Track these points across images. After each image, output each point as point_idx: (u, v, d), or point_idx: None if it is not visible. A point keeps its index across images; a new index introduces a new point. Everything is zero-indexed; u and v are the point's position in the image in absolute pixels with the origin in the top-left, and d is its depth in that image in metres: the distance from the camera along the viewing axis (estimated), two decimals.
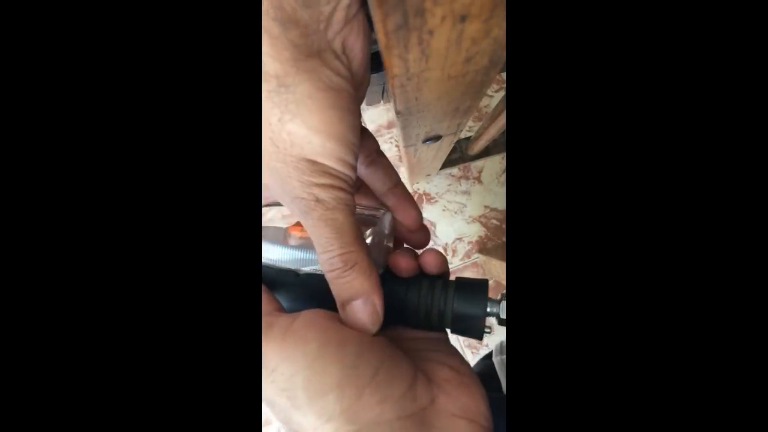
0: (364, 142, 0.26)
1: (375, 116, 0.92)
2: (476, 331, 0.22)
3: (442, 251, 0.92)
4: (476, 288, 0.22)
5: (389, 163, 0.26)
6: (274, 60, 0.16)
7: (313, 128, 0.17)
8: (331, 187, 0.19)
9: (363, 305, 0.19)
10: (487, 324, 0.22)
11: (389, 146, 0.92)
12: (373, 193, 0.26)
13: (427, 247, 0.24)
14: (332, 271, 0.19)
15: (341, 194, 0.19)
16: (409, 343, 0.22)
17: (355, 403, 0.16)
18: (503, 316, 0.21)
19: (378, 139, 0.97)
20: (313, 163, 0.18)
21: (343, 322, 0.19)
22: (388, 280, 0.22)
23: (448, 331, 0.23)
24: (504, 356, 0.47)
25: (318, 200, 0.18)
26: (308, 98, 0.17)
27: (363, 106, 0.91)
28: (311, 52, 0.17)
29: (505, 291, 0.22)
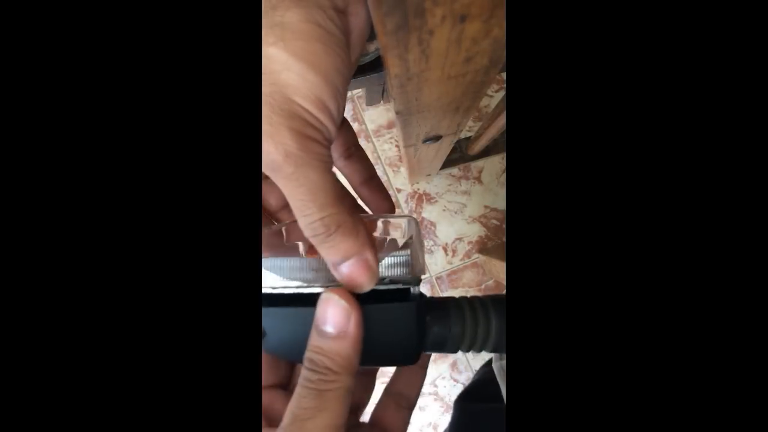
0: (345, 134, 0.25)
1: (375, 116, 0.92)
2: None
3: (442, 251, 0.92)
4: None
5: (366, 156, 0.26)
6: None
7: (296, 54, 0.15)
8: (304, 136, 0.16)
9: (356, 263, 0.18)
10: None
11: (389, 146, 0.92)
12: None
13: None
14: (315, 236, 0.18)
15: (315, 147, 0.16)
16: None
17: None
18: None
19: (378, 139, 0.96)
20: (288, 101, 0.15)
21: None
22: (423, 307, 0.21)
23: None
24: (504, 362, 0.47)
25: (287, 155, 0.16)
26: (296, 24, 0.15)
27: (363, 105, 0.91)
28: None
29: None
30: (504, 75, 0.85)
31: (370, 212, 0.26)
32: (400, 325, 0.20)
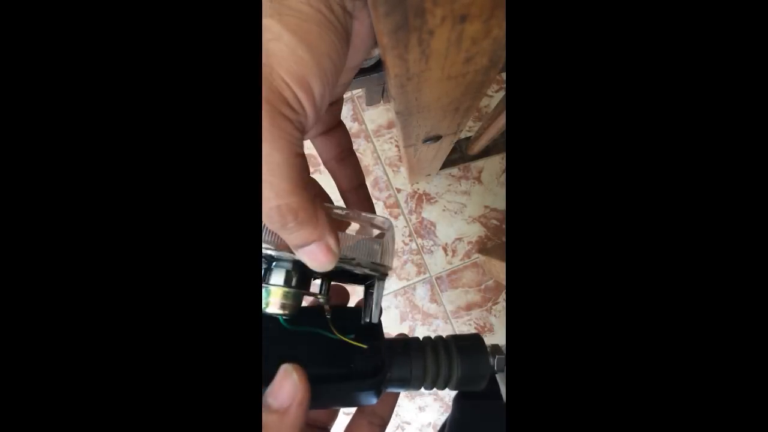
0: (341, 136, 0.25)
1: (375, 116, 0.92)
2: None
3: (442, 251, 0.92)
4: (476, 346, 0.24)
5: (359, 162, 0.26)
6: None
7: (289, 28, 0.15)
8: (278, 113, 0.15)
9: (316, 248, 0.18)
10: None
11: (389, 146, 0.92)
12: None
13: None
14: (271, 224, 0.17)
15: (287, 126, 0.15)
16: None
17: None
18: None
19: (378, 139, 0.96)
20: (271, 71, 0.15)
21: None
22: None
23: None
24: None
25: None
26: (297, 4, 0.15)
27: (363, 105, 0.91)
28: None
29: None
30: (504, 75, 0.85)
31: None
32: (362, 394, 0.22)
